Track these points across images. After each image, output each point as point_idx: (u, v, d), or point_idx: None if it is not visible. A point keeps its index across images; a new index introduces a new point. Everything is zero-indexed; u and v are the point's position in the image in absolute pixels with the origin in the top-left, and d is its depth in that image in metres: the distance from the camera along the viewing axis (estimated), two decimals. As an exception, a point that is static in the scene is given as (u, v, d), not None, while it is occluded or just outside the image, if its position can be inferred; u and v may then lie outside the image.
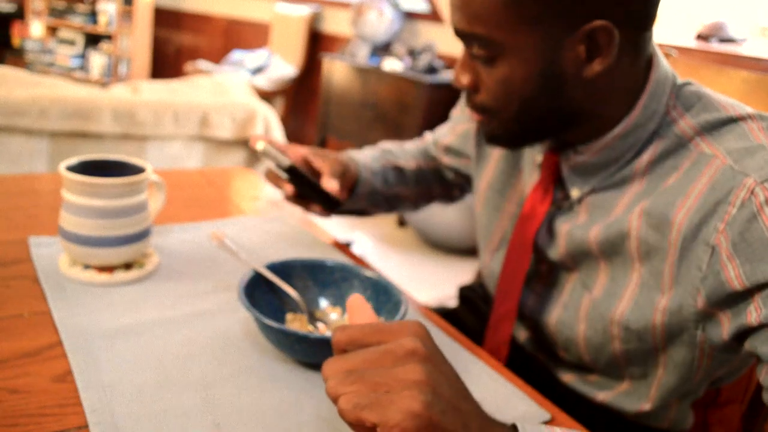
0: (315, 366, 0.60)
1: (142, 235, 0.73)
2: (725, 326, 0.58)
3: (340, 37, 4.08)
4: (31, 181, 1.05)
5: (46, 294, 0.66)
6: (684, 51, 2.41)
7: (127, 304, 0.67)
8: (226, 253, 0.82)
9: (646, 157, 0.65)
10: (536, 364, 0.81)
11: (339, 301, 0.69)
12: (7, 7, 5.32)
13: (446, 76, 3.24)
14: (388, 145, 1.00)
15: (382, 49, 3.66)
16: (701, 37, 2.57)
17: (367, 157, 0.95)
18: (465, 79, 0.68)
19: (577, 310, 0.71)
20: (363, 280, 0.68)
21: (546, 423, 0.58)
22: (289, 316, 0.66)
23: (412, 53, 3.41)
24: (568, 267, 0.73)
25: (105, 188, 0.68)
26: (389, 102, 3.27)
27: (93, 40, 5.22)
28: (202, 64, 4.28)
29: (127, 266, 0.73)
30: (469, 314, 0.96)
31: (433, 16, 3.59)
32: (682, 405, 0.72)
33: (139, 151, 2.46)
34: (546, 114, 0.65)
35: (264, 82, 4.02)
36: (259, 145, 0.77)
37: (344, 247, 0.91)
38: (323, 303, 0.69)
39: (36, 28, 5.17)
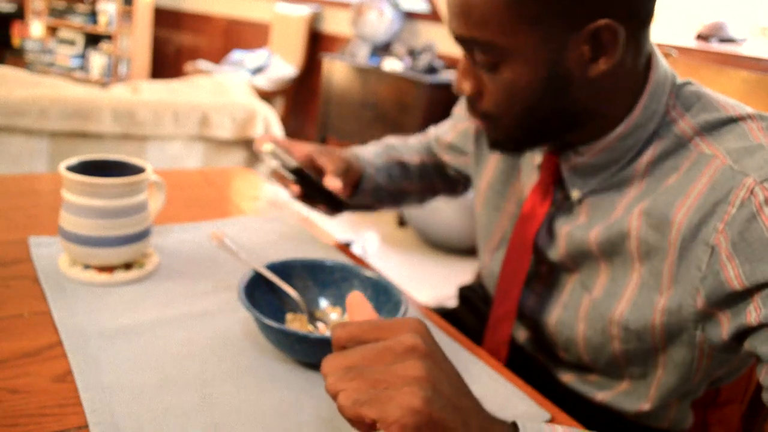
0: (315, 366, 0.60)
1: (142, 235, 0.73)
2: (725, 326, 0.58)
3: (340, 37, 4.08)
4: (31, 181, 1.05)
5: (46, 294, 0.66)
6: (684, 51, 2.41)
7: (127, 304, 0.67)
8: (226, 253, 0.82)
9: (645, 157, 0.65)
10: (536, 364, 0.81)
11: (339, 301, 0.69)
12: (7, 7, 5.32)
13: (446, 76, 3.25)
14: (391, 141, 1.00)
15: (382, 49, 3.66)
16: (701, 37, 2.57)
17: (371, 153, 0.95)
18: (467, 87, 0.67)
19: (576, 311, 0.71)
20: (363, 280, 0.68)
21: (546, 422, 0.58)
22: (289, 316, 0.66)
23: (412, 53, 3.41)
24: (568, 267, 0.73)
25: (105, 188, 0.68)
26: (389, 102, 3.27)
27: (93, 40, 5.22)
28: (202, 64, 4.28)
29: (127, 266, 0.73)
30: (469, 314, 0.96)
31: (433, 16, 3.59)
32: (681, 405, 0.72)
33: (139, 151, 2.46)
34: (550, 116, 0.65)
35: (264, 82, 4.02)
36: (266, 147, 0.78)
37: (344, 247, 0.91)
38: (323, 303, 0.69)
39: (36, 28, 5.17)
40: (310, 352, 0.58)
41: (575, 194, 0.70)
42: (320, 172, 0.83)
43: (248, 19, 4.75)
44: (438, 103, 3.12)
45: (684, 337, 0.63)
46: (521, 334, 0.82)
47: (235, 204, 1.05)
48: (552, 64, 0.61)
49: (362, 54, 3.59)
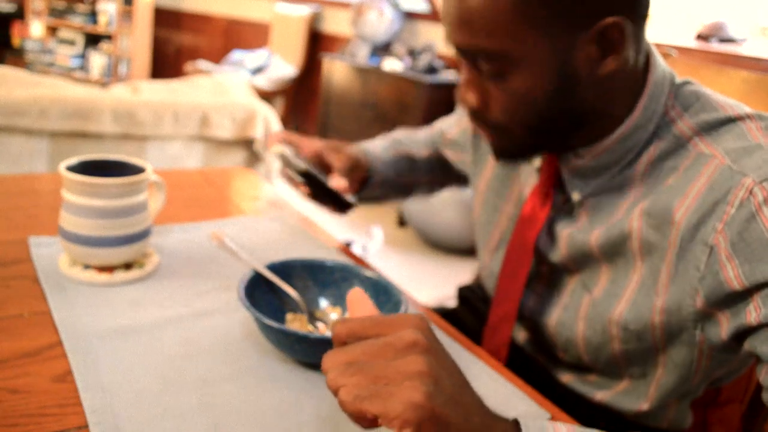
0: (315, 366, 0.60)
1: (142, 235, 0.73)
2: (724, 326, 0.58)
3: (340, 37, 4.08)
4: (31, 181, 1.05)
5: (46, 294, 0.66)
6: (684, 51, 2.41)
7: (127, 304, 0.67)
8: (226, 253, 0.82)
9: (645, 158, 0.65)
10: (535, 364, 0.81)
11: (339, 301, 0.69)
12: (7, 7, 5.32)
13: (446, 76, 3.25)
14: (400, 134, 1.01)
15: (382, 49, 3.66)
16: (701, 37, 2.57)
17: (379, 147, 0.96)
18: (473, 99, 0.65)
19: (576, 311, 0.71)
20: (363, 280, 0.68)
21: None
22: (289, 316, 0.66)
23: (412, 53, 3.41)
24: (569, 269, 0.73)
25: (105, 188, 0.68)
26: (389, 102, 3.27)
27: (93, 40, 5.22)
28: (202, 64, 4.28)
29: (127, 266, 0.73)
30: (468, 314, 0.96)
31: (433, 16, 3.59)
32: (680, 405, 0.72)
33: (139, 151, 2.46)
34: (558, 117, 0.64)
35: (264, 82, 4.02)
36: (276, 149, 0.80)
37: (344, 247, 0.91)
38: (323, 303, 0.69)
39: (36, 28, 5.17)
40: (310, 352, 0.58)
41: (576, 196, 0.70)
42: (329, 169, 0.84)
43: (248, 19, 4.75)
44: (438, 103, 3.12)
45: (684, 337, 0.63)
46: (521, 335, 0.82)
47: (235, 204, 1.05)
48: (560, 66, 0.60)
49: (362, 54, 3.59)
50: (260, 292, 0.65)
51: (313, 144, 0.85)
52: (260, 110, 2.65)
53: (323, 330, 0.65)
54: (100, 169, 0.73)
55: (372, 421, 0.36)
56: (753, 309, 0.54)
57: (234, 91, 2.81)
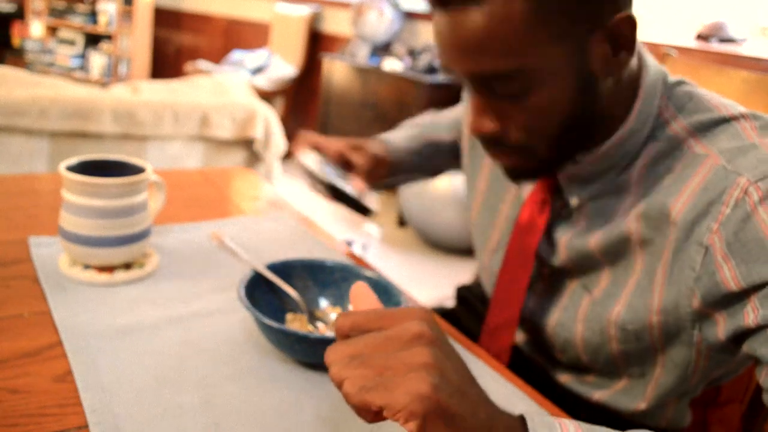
0: (315, 366, 0.60)
1: (142, 235, 0.73)
2: (721, 326, 0.58)
3: (340, 37, 4.08)
4: (31, 181, 1.05)
5: (46, 294, 0.66)
6: (684, 51, 2.41)
7: (127, 304, 0.67)
8: (226, 253, 0.82)
9: (641, 161, 0.64)
10: (534, 365, 0.81)
11: (339, 301, 0.69)
12: (7, 7, 5.32)
13: (446, 76, 3.24)
14: (426, 119, 1.02)
15: (382, 49, 3.66)
16: (701, 37, 2.57)
17: (403, 137, 0.97)
18: (490, 125, 0.63)
19: (575, 312, 0.71)
20: (363, 280, 0.68)
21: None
22: (289, 316, 0.66)
23: (412, 53, 3.41)
24: (570, 271, 0.72)
25: (105, 188, 0.68)
26: (389, 102, 3.27)
27: (93, 40, 5.22)
28: (202, 64, 4.28)
29: (127, 266, 0.73)
30: (467, 314, 0.96)
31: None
32: (679, 404, 0.72)
33: (139, 151, 2.46)
34: (577, 123, 0.62)
35: (264, 82, 4.02)
36: (303, 159, 0.83)
37: (344, 247, 0.91)
38: (323, 303, 0.69)
39: (36, 28, 5.17)
40: (310, 352, 0.58)
41: (574, 201, 0.70)
42: (351, 167, 0.86)
43: (248, 19, 4.75)
44: (438, 103, 3.12)
45: (682, 337, 0.63)
46: (519, 337, 0.82)
47: (235, 204, 1.05)
48: (578, 69, 0.59)
49: (362, 54, 3.59)
50: (260, 292, 0.65)
51: (336, 144, 0.86)
52: (260, 110, 2.65)
53: (323, 330, 0.65)
54: (100, 169, 0.73)
55: (376, 414, 0.35)
56: (751, 310, 0.54)
57: (234, 91, 2.81)
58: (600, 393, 0.73)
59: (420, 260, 2.84)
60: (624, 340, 0.67)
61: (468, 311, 0.96)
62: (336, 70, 3.56)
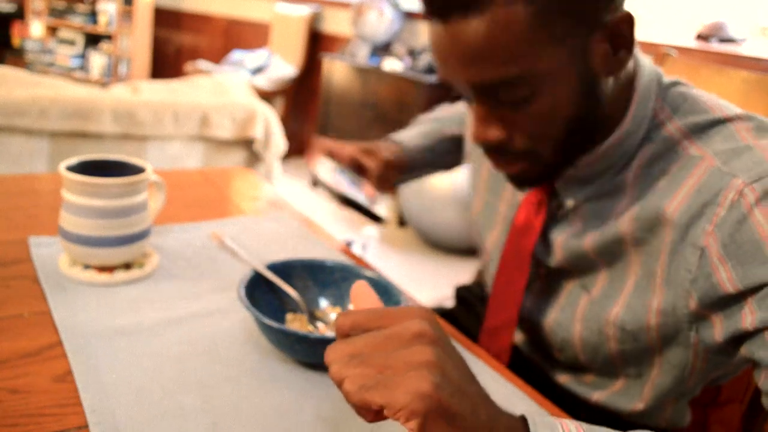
0: (315, 366, 0.60)
1: (142, 235, 0.73)
2: (718, 328, 0.58)
3: (340, 37, 4.08)
4: (31, 181, 1.05)
5: (46, 294, 0.66)
6: (684, 51, 2.41)
7: (127, 304, 0.67)
8: (226, 253, 0.82)
9: (636, 162, 0.64)
10: (533, 366, 0.81)
11: (339, 301, 0.69)
12: (7, 7, 5.32)
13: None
14: (441, 113, 1.03)
15: (382, 49, 3.66)
16: (701, 37, 2.57)
17: (417, 136, 0.98)
18: (495, 133, 0.62)
19: (573, 311, 0.71)
20: (363, 280, 0.68)
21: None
22: (289, 316, 0.66)
23: (412, 53, 3.41)
24: (567, 271, 0.73)
25: (105, 188, 0.68)
26: (389, 102, 3.27)
27: (93, 40, 5.22)
28: (202, 64, 4.28)
29: (127, 266, 0.73)
30: (466, 314, 0.96)
31: (433, 16, 3.58)
32: (678, 404, 0.72)
33: (139, 151, 2.46)
34: (580, 125, 0.62)
35: (264, 82, 4.02)
36: (317, 168, 0.86)
37: (344, 247, 0.91)
38: (323, 303, 0.69)
39: (36, 28, 5.17)
40: (310, 352, 0.58)
41: (570, 203, 0.70)
42: (364, 172, 0.87)
43: (248, 19, 4.75)
44: (438, 103, 3.11)
45: (680, 338, 0.63)
46: (518, 337, 0.82)
47: (235, 204, 1.05)
48: (580, 71, 0.59)
49: (362, 54, 3.59)
50: (260, 292, 0.65)
51: (348, 149, 0.87)
52: (260, 110, 2.65)
53: (323, 330, 0.65)
54: (100, 169, 0.73)
55: (377, 414, 0.35)
56: (748, 313, 0.54)
57: (234, 91, 2.81)
58: (599, 394, 0.73)
59: (420, 260, 2.84)
60: (622, 340, 0.67)
61: (467, 311, 0.96)
62: (336, 70, 3.56)
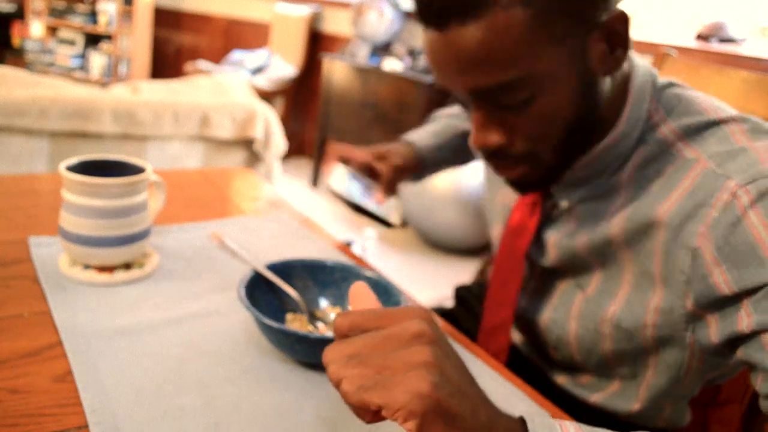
0: (315, 366, 0.60)
1: (142, 235, 0.73)
2: (714, 329, 0.58)
3: (340, 37, 4.08)
4: (31, 181, 1.05)
5: (46, 294, 0.66)
6: (684, 51, 2.41)
7: (127, 304, 0.67)
8: (226, 253, 0.82)
9: (631, 164, 0.64)
10: (531, 366, 0.81)
11: (339, 301, 0.69)
12: (7, 7, 5.32)
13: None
14: (457, 109, 1.02)
15: (382, 49, 3.66)
16: (701, 37, 2.57)
17: (430, 134, 0.98)
18: (495, 138, 0.62)
19: (569, 310, 0.71)
20: (363, 280, 0.68)
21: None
22: (289, 316, 0.66)
23: (412, 53, 3.41)
24: (561, 271, 0.73)
25: (105, 188, 0.68)
26: (389, 102, 3.27)
27: (93, 40, 5.22)
28: (202, 64, 4.28)
29: (127, 266, 0.73)
30: (465, 314, 0.96)
31: (433, 16, 3.58)
32: (677, 404, 0.72)
33: (139, 151, 2.46)
34: (580, 126, 0.62)
35: (264, 82, 4.02)
36: (331, 177, 0.90)
37: (344, 247, 0.91)
38: (323, 303, 0.69)
39: (36, 28, 5.17)
40: (310, 352, 0.58)
41: (564, 204, 0.70)
42: (377, 176, 0.88)
43: (248, 19, 4.75)
44: (438, 103, 3.12)
45: (675, 338, 0.63)
46: (516, 336, 0.82)
47: (235, 204, 1.05)
48: (579, 70, 0.59)
49: (362, 54, 3.59)
50: (260, 292, 0.65)
51: (362, 154, 0.87)
52: (260, 110, 2.65)
53: (323, 330, 0.65)
54: (100, 169, 0.73)
55: (375, 414, 0.35)
56: (744, 315, 0.54)
57: (234, 91, 2.81)
58: (596, 395, 0.73)
59: (420, 260, 2.84)
60: (617, 338, 0.67)
61: (467, 311, 0.96)
62: (336, 70, 3.56)
